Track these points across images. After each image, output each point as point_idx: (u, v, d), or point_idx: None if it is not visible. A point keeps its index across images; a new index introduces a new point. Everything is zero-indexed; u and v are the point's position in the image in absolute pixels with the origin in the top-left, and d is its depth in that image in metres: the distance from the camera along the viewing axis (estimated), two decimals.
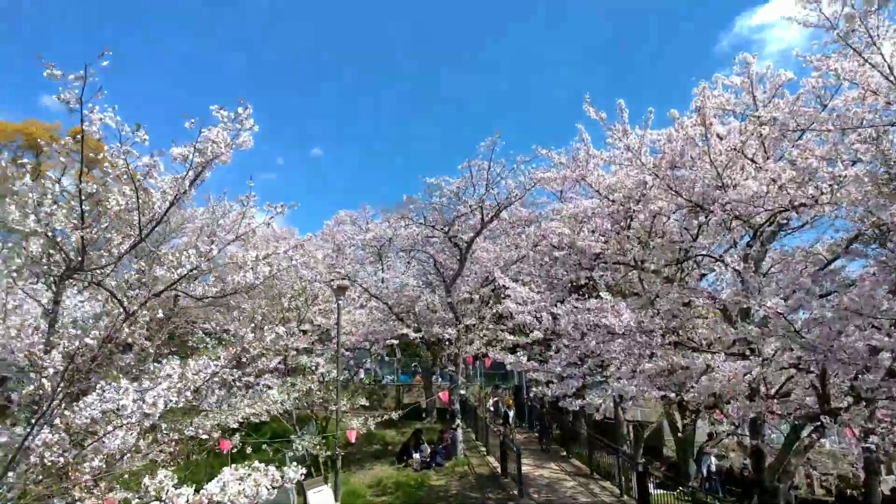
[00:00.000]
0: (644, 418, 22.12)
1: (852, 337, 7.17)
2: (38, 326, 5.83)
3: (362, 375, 35.14)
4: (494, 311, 21.62)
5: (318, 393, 17.92)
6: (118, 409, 4.52)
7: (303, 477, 15.24)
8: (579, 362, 14.25)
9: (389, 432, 25.81)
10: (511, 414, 23.11)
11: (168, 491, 4.28)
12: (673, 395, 11.08)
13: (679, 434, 18.06)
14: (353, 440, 15.56)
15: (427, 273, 25.39)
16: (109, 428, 4.63)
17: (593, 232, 17.83)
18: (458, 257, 22.78)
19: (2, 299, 6.21)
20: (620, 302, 11.10)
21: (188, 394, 5.17)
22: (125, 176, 5.10)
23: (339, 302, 17.92)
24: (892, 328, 6.86)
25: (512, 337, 17.55)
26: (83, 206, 5.01)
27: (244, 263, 6.59)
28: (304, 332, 23.16)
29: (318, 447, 15.41)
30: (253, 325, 14.30)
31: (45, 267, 5.26)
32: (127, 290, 5.49)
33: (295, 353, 18.80)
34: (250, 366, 15.65)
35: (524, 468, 16.58)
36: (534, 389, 16.19)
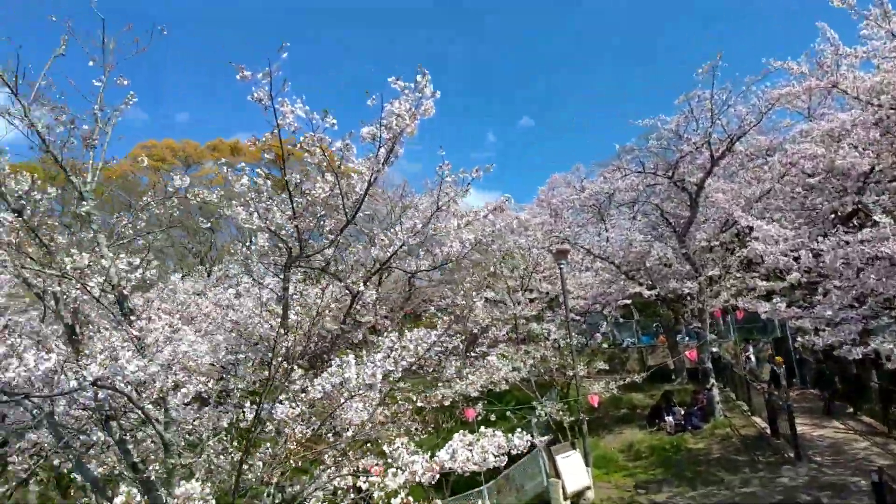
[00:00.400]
0: None
1: None
2: (271, 310, 6.74)
3: (599, 339, 34.66)
4: (741, 257, 19.44)
5: (553, 359, 18.11)
6: (343, 382, 4.96)
7: (548, 443, 15.61)
8: (856, 304, 12.09)
9: (636, 396, 25.02)
10: (782, 372, 20.59)
11: (402, 458, 4.60)
12: None
13: None
14: (596, 404, 15.36)
15: (655, 225, 23.78)
16: (342, 400, 5.09)
17: (855, 147, 15.08)
18: (688, 203, 20.92)
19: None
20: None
21: (405, 363, 5.45)
22: (324, 163, 5.55)
23: (562, 266, 17.72)
24: None
25: (765, 283, 15.59)
26: (293, 198, 5.60)
27: (447, 233, 6.77)
28: (532, 300, 23.56)
29: (560, 413, 15.55)
30: (476, 296, 14.87)
31: (273, 258, 6.02)
32: (350, 272, 6.03)
33: (524, 321, 19.17)
34: (482, 336, 16.39)
35: (800, 428, 14.72)
36: (799, 339, 14.18)
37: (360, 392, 5.11)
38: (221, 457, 5.77)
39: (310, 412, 5.00)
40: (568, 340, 17.47)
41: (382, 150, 5.56)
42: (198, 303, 10.87)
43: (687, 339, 30.50)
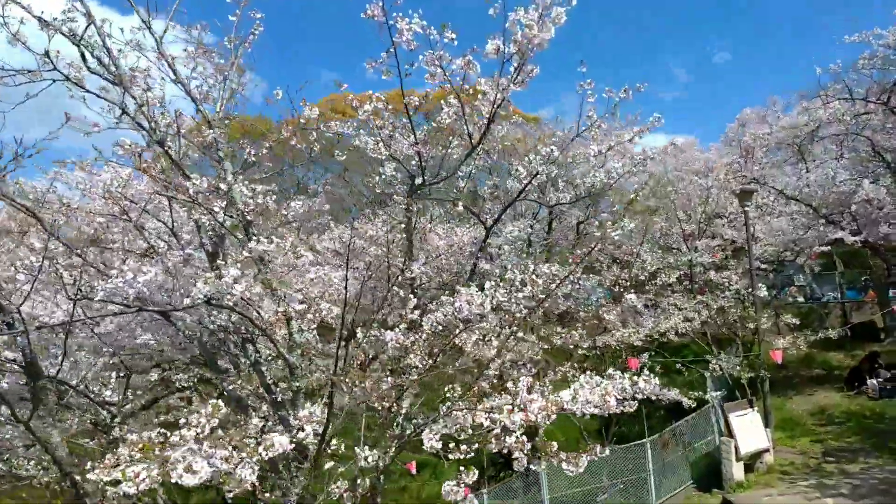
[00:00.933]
0: None
1: None
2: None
3: (794, 293, 31.51)
4: None
5: (733, 311, 16.90)
6: (456, 312, 4.91)
7: (723, 400, 14.83)
8: None
9: (835, 355, 22.59)
10: None
11: (522, 395, 4.57)
12: None
13: None
14: (780, 361, 14.12)
15: (866, 161, 20.61)
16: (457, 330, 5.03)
17: None
18: None
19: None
20: None
21: (521, 295, 5.13)
22: (446, 83, 5.37)
23: (746, 209, 16.21)
24: None
25: None
26: (413, 123, 5.60)
27: (586, 160, 6.47)
28: (716, 247, 21.95)
29: (738, 368, 14.57)
30: (642, 239, 14.08)
31: (398, 187, 6.17)
32: (483, 204, 6.06)
33: (702, 269, 17.98)
34: (649, 283, 15.73)
35: None
36: None
37: (474, 323, 5.04)
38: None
39: (428, 343, 5.03)
40: (751, 290, 16.12)
41: (511, 68, 5.31)
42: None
43: None
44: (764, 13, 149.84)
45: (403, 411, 5.40)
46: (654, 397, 14.96)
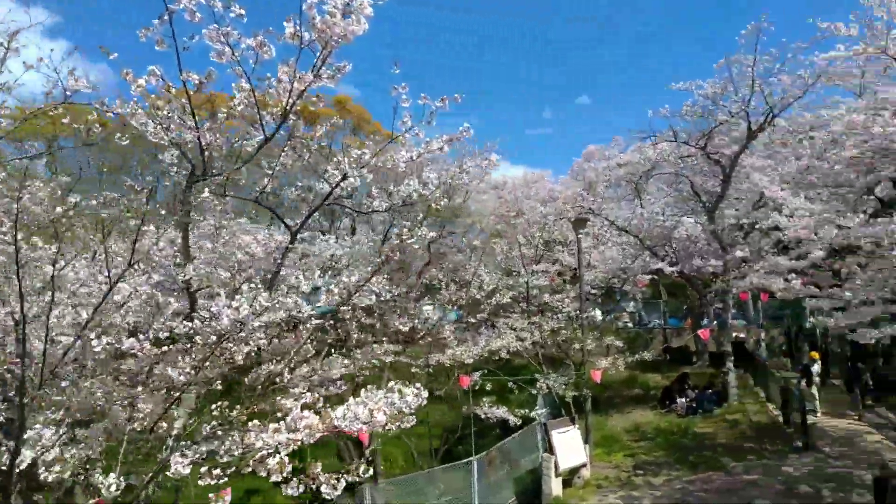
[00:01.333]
0: None
1: None
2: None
3: (626, 319, 34.18)
4: (774, 239, 18.62)
5: (564, 333, 17.83)
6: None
7: (552, 418, 15.41)
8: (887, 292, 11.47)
9: (653, 376, 24.65)
10: (816, 368, 18.22)
11: (294, 414, 4.23)
12: None
13: None
14: (599, 381, 15.03)
15: (687, 199, 22.95)
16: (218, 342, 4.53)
17: None
18: (721, 177, 20.07)
19: None
20: None
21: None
22: (236, 65, 4.95)
23: (580, 236, 17.28)
24: None
25: (787, 261, 14.88)
26: (192, 104, 5.15)
27: (396, 165, 6.32)
28: (555, 273, 23.23)
29: (564, 388, 15.30)
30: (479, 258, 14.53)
31: (175, 175, 5.67)
32: (291, 207, 5.74)
33: (538, 291, 18.86)
34: (486, 301, 16.15)
35: (814, 418, 14.25)
36: (811, 319, 13.54)
37: (232, 334, 4.49)
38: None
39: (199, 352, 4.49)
40: (580, 313, 17.11)
41: (316, 58, 4.98)
42: None
43: (715, 322, 29.78)
44: (617, 65, 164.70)
45: (175, 432, 4.81)
46: (484, 416, 15.14)
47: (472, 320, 15.71)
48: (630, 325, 34.77)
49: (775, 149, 21.51)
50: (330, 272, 12.02)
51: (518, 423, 14.10)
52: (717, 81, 18.85)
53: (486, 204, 32.14)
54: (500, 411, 13.77)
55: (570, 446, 14.03)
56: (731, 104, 18.79)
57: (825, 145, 17.71)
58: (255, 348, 5.37)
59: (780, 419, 15.81)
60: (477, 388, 14.70)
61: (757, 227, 19.98)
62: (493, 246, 19.71)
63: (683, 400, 19.11)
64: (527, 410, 14.95)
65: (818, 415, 16.04)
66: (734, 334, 25.85)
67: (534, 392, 17.12)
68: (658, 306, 36.59)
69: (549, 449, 13.81)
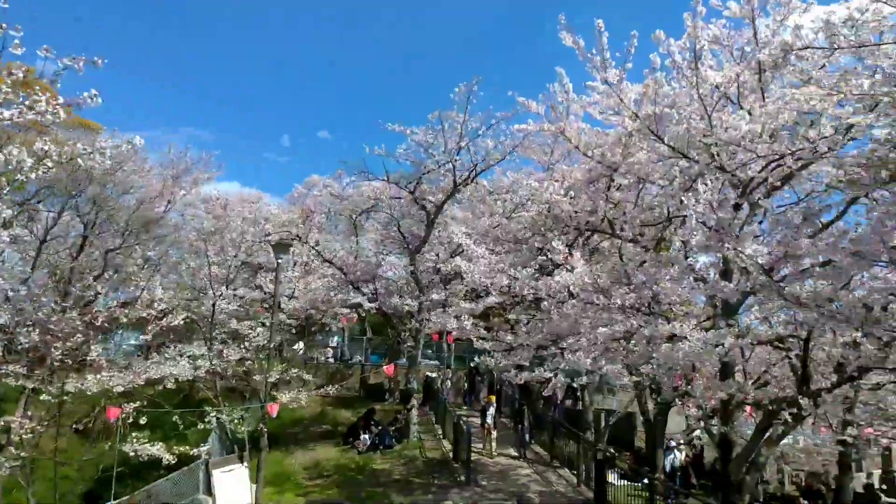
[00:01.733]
0: (621, 409, 20.84)
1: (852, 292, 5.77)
2: None
3: (325, 353, 33.98)
4: (469, 286, 20.19)
5: (250, 364, 16.59)
6: None
7: (223, 455, 13.82)
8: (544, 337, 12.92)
9: (344, 412, 24.52)
10: (491, 410, 18.77)
11: None
12: (643, 378, 9.77)
13: (649, 423, 16.88)
14: (275, 414, 14.09)
15: (394, 239, 23.81)
16: None
17: (568, 193, 16.41)
18: (425, 222, 21.25)
19: None
20: (576, 252, 9.61)
21: None
22: None
23: (280, 260, 16.38)
24: None
25: (468, 305, 16.10)
26: None
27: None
28: (264, 305, 21.84)
29: (238, 422, 14.01)
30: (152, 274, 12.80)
31: None
32: None
33: (225, 316, 17.35)
34: (153, 322, 14.16)
35: (479, 454, 15.33)
36: (475, 360, 14.76)
37: None
38: None
39: None
40: (270, 343, 16.07)
41: None
42: None
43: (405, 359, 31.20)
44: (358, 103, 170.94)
45: None
46: (133, 454, 12.80)
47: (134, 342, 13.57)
48: (332, 360, 34.79)
49: (475, 204, 23.76)
50: None
51: (173, 462, 12.35)
52: (430, 131, 20.04)
53: (195, 217, 29.49)
54: (154, 449, 11.91)
55: (234, 486, 12.77)
56: (440, 155, 20.08)
57: (513, 206, 20.03)
58: None
59: (451, 455, 16.73)
60: (136, 421, 12.51)
61: (449, 272, 21.59)
62: (181, 262, 17.68)
63: (366, 436, 19.16)
64: (187, 447, 13.23)
65: (494, 453, 17.31)
66: (426, 373, 27.37)
67: (212, 427, 15.46)
68: (362, 342, 37.36)
69: (209, 490, 12.35)
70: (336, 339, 36.50)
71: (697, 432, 17.43)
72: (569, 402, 23.35)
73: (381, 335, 35.70)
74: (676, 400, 13.34)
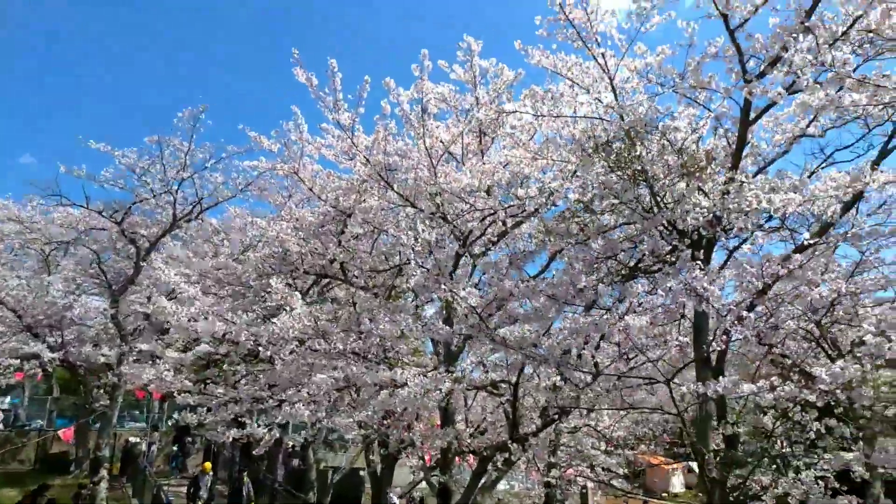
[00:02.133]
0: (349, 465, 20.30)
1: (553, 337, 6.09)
2: None
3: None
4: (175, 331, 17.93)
5: None
6: None
7: None
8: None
9: (9, 492, 19.72)
10: (206, 480, 16.52)
11: None
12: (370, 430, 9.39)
13: (376, 477, 16.60)
14: None
15: (92, 276, 20.38)
16: None
17: (298, 234, 15.78)
18: (135, 259, 18.64)
19: None
20: (295, 294, 8.98)
21: None
22: None
23: None
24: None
25: (175, 355, 14.24)
26: None
27: None
28: None
29: None
30: None
31: None
32: None
33: None
34: None
35: None
36: (175, 416, 13.04)
37: None
38: None
39: None
40: None
41: None
42: None
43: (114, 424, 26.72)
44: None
45: None
46: None
47: None
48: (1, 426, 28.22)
49: (199, 244, 21.70)
50: None
51: None
52: (147, 155, 17.89)
53: None
54: None
55: None
56: (157, 184, 17.98)
57: (242, 248, 18.69)
58: None
59: None
60: None
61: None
62: None
63: None
64: None
65: None
66: (127, 438, 23.65)
67: None
68: (46, 403, 31.20)
69: None
70: (8, 399, 29.93)
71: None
72: (296, 462, 22.10)
73: (75, 393, 30.26)
74: (402, 452, 13.31)
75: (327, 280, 14.99)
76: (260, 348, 10.56)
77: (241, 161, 18.51)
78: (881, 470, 8.58)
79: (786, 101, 7.03)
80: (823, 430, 10.12)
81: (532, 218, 10.09)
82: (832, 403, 10.95)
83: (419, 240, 6.87)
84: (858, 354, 11.58)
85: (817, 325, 11.16)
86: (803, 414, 10.98)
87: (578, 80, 7.84)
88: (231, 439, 11.66)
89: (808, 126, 8.77)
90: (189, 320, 11.25)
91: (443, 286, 6.44)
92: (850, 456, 8.96)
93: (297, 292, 8.41)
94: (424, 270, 6.79)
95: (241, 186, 19.87)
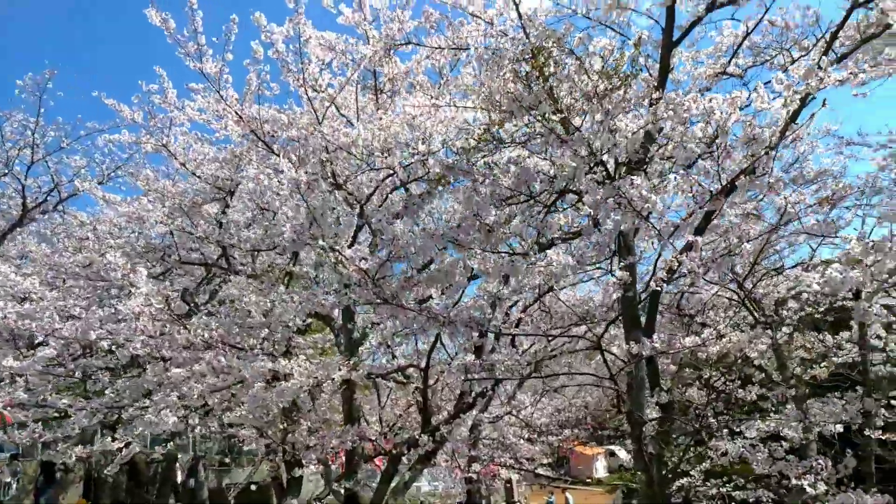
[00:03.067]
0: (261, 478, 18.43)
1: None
2: None
3: None
4: None
5: None
6: None
7: None
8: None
9: None
10: None
11: None
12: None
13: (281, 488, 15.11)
14: None
15: None
16: None
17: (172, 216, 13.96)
18: None
19: None
20: (139, 270, 7.39)
21: None
22: None
23: None
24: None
25: (14, 363, 12.09)
26: None
27: None
28: None
29: None
30: None
31: None
32: None
33: None
34: None
35: None
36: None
37: None
38: None
39: None
40: None
41: None
42: None
43: None
44: None
45: None
46: None
47: None
48: None
49: (61, 237, 19.13)
50: None
51: None
52: None
53: None
54: None
55: None
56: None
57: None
58: None
59: None
60: None
61: None
62: None
63: None
64: None
65: None
66: None
67: None
68: None
69: None
70: None
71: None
72: (192, 482, 20.06)
73: None
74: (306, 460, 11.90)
75: (211, 274, 13.26)
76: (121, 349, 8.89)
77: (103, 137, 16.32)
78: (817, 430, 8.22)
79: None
80: (751, 398, 9.73)
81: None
82: (749, 374, 10.61)
83: (285, 182, 5.57)
84: (783, 316, 11.30)
85: (740, 285, 10.80)
86: (727, 384, 10.60)
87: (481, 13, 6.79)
88: (118, 466, 9.92)
89: (728, 63, 8.24)
90: (18, 319, 9.42)
91: (320, 240, 5.19)
92: (783, 419, 8.55)
93: (142, 269, 6.82)
94: (297, 224, 5.50)
95: (110, 172, 17.67)
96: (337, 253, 5.47)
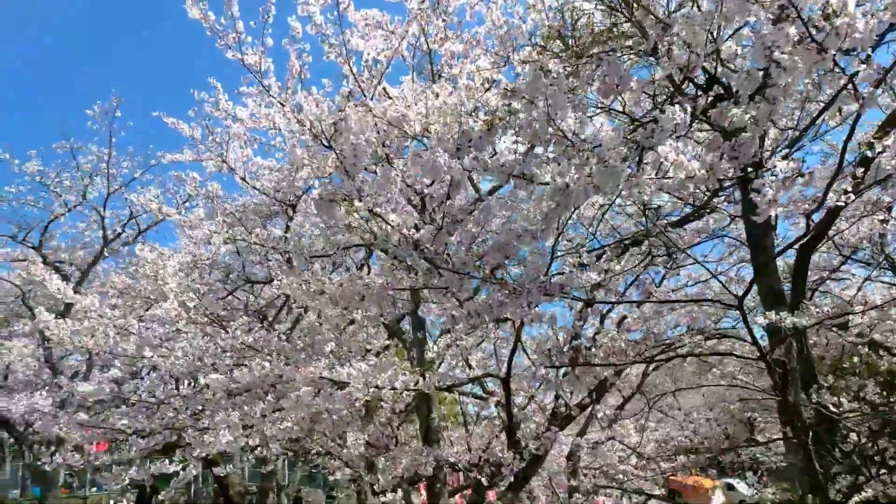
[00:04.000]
0: None
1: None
2: None
3: None
4: None
5: None
6: None
7: None
8: None
9: None
10: None
11: None
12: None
13: None
14: None
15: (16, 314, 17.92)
16: None
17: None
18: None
19: None
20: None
21: None
22: None
23: None
24: None
25: (88, 388, 11.76)
26: None
27: None
28: None
29: None
30: None
31: None
32: None
33: None
34: None
35: None
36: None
37: None
38: None
39: None
40: None
41: None
42: None
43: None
44: None
45: None
46: None
47: None
48: None
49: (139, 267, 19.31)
50: None
51: None
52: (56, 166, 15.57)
53: None
54: None
55: None
56: (73, 195, 15.65)
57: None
58: None
59: None
60: None
61: None
62: None
63: None
64: None
65: None
66: None
67: None
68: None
69: None
70: None
71: None
72: None
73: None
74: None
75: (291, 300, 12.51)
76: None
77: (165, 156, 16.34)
78: None
79: None
80: None
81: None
82: None
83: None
84: None
85: None
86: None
87: None
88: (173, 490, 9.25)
89: None
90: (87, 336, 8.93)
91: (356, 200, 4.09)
92: None
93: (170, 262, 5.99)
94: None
95: (183, 200, 17.55)
96: (378, 217, 4.40)
